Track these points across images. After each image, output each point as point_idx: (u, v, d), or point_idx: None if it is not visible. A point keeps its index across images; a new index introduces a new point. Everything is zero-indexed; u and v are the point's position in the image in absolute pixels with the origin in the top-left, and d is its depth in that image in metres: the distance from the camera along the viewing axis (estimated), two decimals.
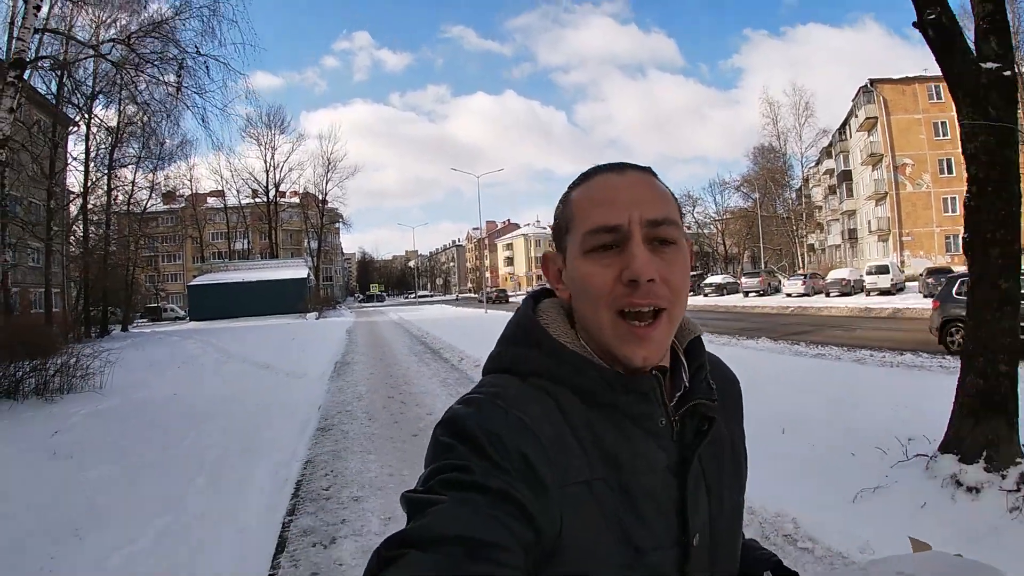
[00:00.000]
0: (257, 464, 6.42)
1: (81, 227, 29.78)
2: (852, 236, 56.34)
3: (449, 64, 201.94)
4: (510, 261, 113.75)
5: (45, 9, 9.69)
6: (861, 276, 36.01)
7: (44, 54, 11.61)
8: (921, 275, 32.66)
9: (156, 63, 10.39)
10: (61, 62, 11.23)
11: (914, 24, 4.49)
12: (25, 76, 9.32)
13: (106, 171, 29.51)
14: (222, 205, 73.87)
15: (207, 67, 11.48)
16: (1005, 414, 4.26)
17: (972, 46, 4.56)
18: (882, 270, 34.24)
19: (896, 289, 33.66)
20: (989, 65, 4.34)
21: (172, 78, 11.46)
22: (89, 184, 28.68)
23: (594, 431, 0.82)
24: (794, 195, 66.28)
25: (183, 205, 59.56)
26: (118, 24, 12.28)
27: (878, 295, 33.02)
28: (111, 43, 10.51)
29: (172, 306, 61.75)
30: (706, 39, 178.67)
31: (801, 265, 57.77)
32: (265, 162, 69.80)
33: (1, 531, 4.51)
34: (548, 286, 0.98)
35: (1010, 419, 4.27)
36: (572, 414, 0.82)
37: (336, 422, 8.75)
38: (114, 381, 11.30)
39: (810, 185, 65.99)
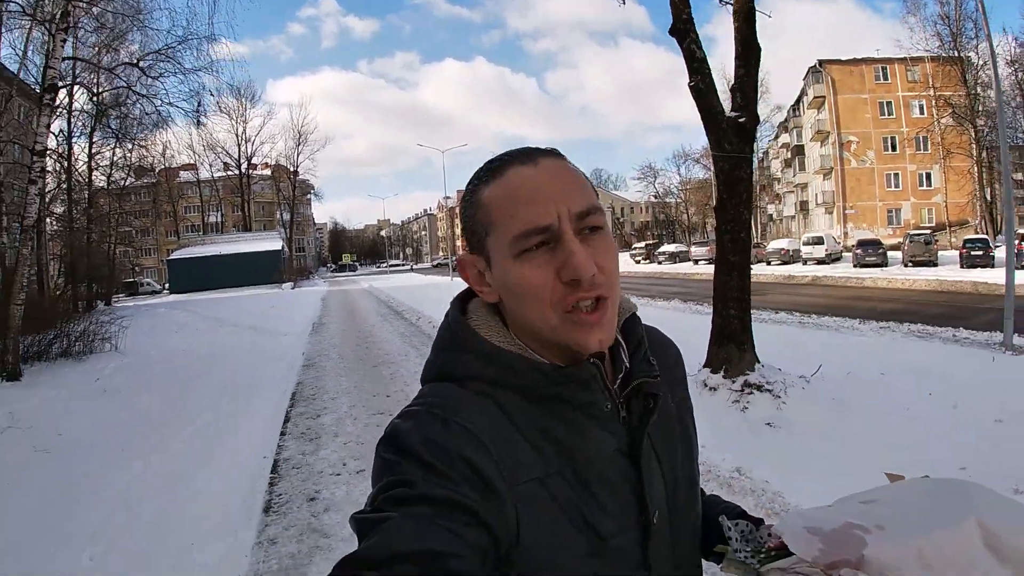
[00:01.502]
0: (262, 387, 9.04)
1: (66, 206, 31.29)
2: (803, 208, 58.97)
3: (417, 30, 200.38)
4: None
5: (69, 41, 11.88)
6: (799, 247, 38.70)
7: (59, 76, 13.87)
8: (853, 246, 35.53)
9: (161, 79, 12.60)
10: (86, 85, 13.44)
11: (688, 84, 6.95)
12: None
13: (87, 150, 30.78)
14: (195, 179, 74.47)
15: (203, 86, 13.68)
16: (735, 342, 6.84)
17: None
18: (817, 241, 37.04)
19: (831, 259, 36.44)
20: (730, 114, 6.81)
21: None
22: (71, 164, 30.03)
23: (540, 427, 0.82)
24: (757, 166, 69.22)
25: (155, 180, 60.80)
26: (128, 49, 14.11)
27: (815, 264, 35.82)
28: (124, 66, 12.67)
29: (148, 280, 62.97)
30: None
31: (756, 234, 60.70)
32: (237, 136, 70.32)
33: (88, 436, 6.87)
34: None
35: (739, 346, 6.84)
36: (515, 413, 0.82)
37: (316, 361, 11.58)
38: (127, 343, 13.53)
39: (769, 157, 68.79)
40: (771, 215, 68.45)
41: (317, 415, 7.52)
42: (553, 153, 0.88)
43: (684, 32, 6.76)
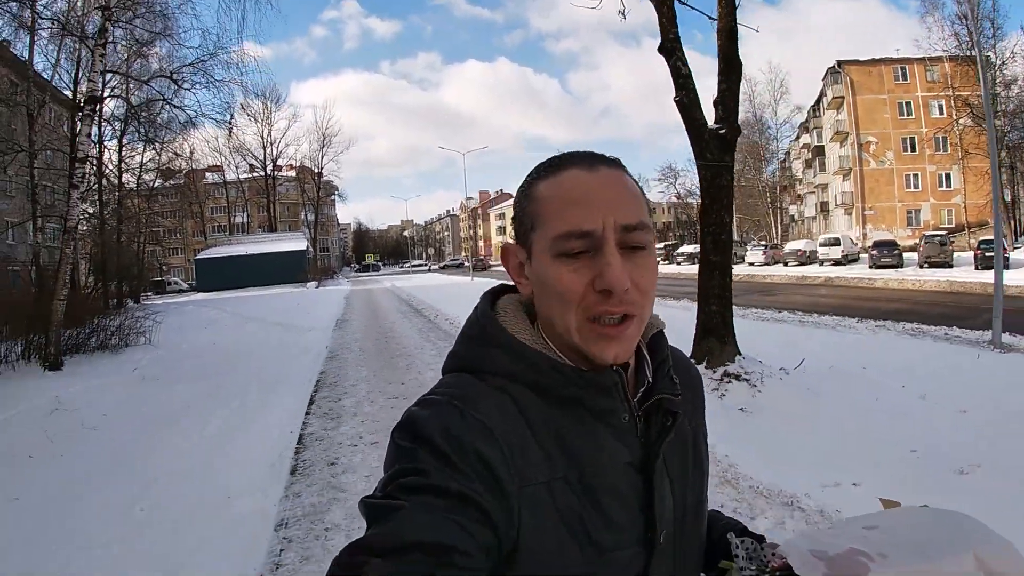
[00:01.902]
0: (289, 376, 9.77)
1: (97, 207, 32.32)
2: (824, 208, 58.92)
3: (439, 31, 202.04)
4: (502, 231, 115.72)
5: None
6: (816, 248, 38.91)
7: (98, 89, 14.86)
8: (869, 247, 35.73)
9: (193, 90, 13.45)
10: (125, 98, 14.37)
11: (674, 99, 7.55)
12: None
13: (117, 152, 31.67)
14: (220, 180, 75.70)
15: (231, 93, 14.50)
16: (716, 336, 7.44)
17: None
18: (834, 242, 37.29)
19: (847, 260, 36.70)
20: (712, 126, 7.39)
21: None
22: (103, 167, 30.96)
23: (555, 429, 0.82)
24: (778, 167, 69.32)
25: (182, 181, 62.18)
26: (158, 55, 14.90)
27: (831, 265, 36.10)
28: (158, 77, 13.54)
29: (175, 279, 64.24)
30: (700, 5, 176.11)
31: (776, 235, 60.82)
32: (262, 138, 71.44)
33: (131, 416, 7.61)
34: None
35: (720, 339, 7.44)
36: (531, 413, 0.82)
37: (339, 354, 12.35)
38: (160, 338, 14.31)
39: (791, 158, 68.83)
40: (793, 216, 68.39)
41: (339, 399, 8.27)
42: (615, 163, 0.89)
43: (671, 51, 7.34)
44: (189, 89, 13.53)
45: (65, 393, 8.65)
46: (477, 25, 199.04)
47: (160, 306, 33.44)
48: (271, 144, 72.42)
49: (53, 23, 12.54)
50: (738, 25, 7.38)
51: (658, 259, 0.93)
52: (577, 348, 0.84)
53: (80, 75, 18.22)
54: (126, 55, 14.20)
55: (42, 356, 10.99)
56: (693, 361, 1.23)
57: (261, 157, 72.84)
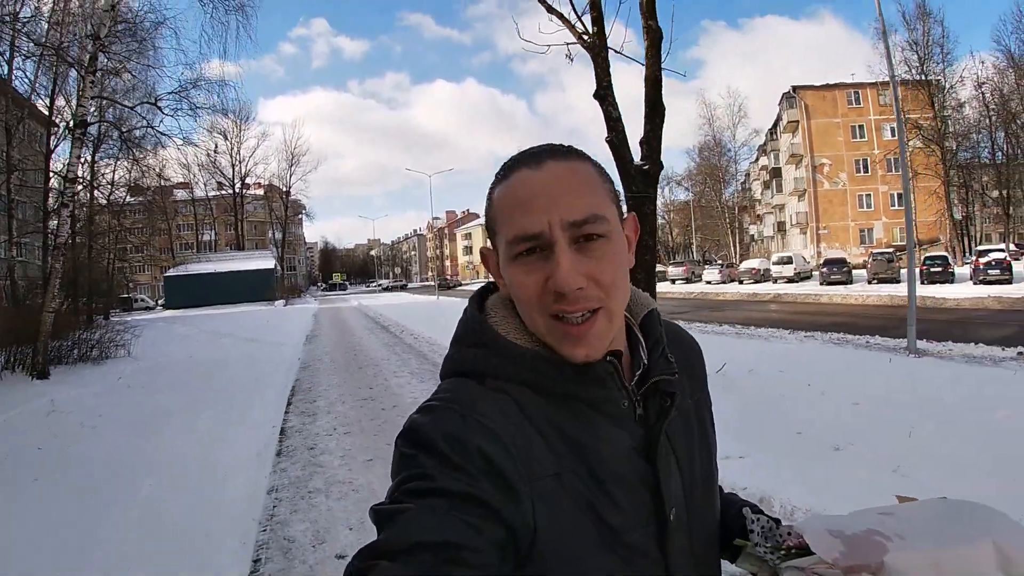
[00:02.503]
0: (267, 383, 10.62)
1: (68, 224, 32.50)
2: (781, 228, 60.80)
3: (408, 51, 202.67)
4: (468, 250, 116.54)
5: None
6: (770, 266, 40.47)
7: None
8: (820, 264, 37.31)
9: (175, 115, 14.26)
10: (116, 123, 15.16)
11: (605, 139, 8.53)
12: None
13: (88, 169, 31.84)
14: (189, 197, 75.49)
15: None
16: None
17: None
18: (786, 260, 38.88)
19: (800, 277, 38.25)
20: (638, 163, 8.37)
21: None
22: (76, 183, 31.19)
23: (555, 423, 0.82)
24: (739, 188, 71.32)
25: (151, 198, 61.81)
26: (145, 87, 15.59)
27: (785, 282, 37.55)
28: (143, 104, 14.36)
29: (142, 296, 63.94)
30: (664, 29, 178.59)
31: (735, 254, 62.54)
32: (231, 156, 71.61)
33: (125, 417, 8.38)
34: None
35: None
36: (531, 410, 0.82)
37: (311, 364, 13.25)
38: (138, 351, 15.05)
39: (751, 179, 70.87)
40: (753, 235, 70.30)
41: (313, 400, 9.20)
42: (565, 154, 0.87)
43: (604, 97, 8.35)
44: (171, 115, 14.34)
45: (58, 398, 9.42)
46: (446, 46, 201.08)
47: (131, 322, 33.77)
48: (240, 162, 72.58)
49: (44, 49, 13.25)
50: (668, 70, 8.39)
51: None
52: (551, 347, 0.84)
53: (56, 91, 18.88)
54: (112, 81, 14.86)
55: (29, 366, 11.64)
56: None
57: (230, 175, 72.92)
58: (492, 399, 0.82)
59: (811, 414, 6.61)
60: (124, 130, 15.60)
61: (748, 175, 70.59)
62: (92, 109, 12.65)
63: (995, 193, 46.86)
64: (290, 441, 6.88)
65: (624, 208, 0.91)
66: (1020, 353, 10.50)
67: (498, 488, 0.74)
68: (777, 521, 0.99)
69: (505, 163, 0.90)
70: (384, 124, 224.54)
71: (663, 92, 8.27)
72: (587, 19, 8.48)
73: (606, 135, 8.29)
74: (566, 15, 8.60)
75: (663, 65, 8.28)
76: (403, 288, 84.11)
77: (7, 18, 13.20)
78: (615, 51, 8.55)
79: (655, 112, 8.19)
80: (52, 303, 11.97)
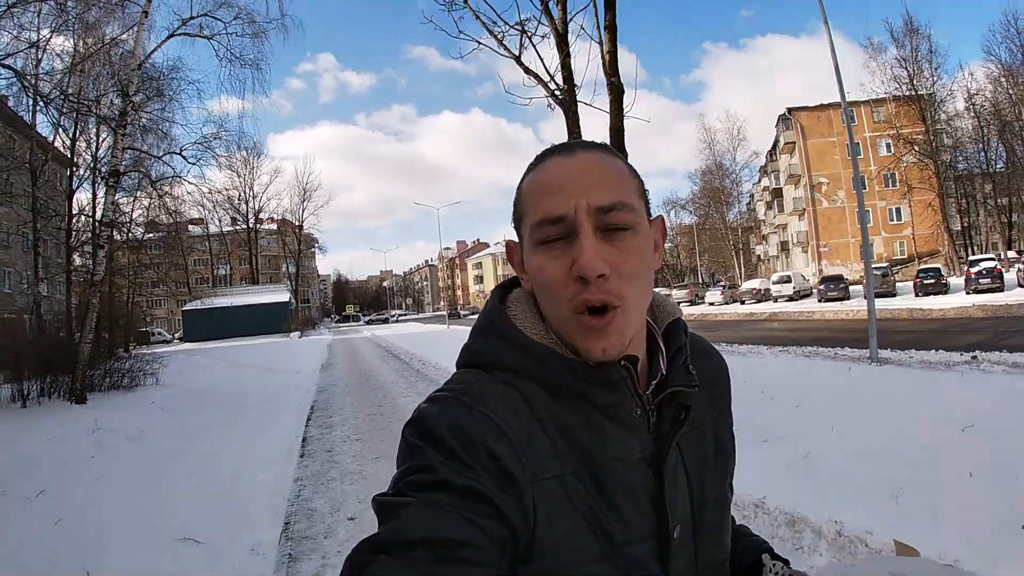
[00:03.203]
0: (288, 404, 11.85)
1: (90, 259, 33.77)
2: (784, 247, 61.77)
3: (414, 84, 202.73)
4: (480, 279, 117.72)
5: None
6: (770, 286, 41.51)
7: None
8: (818, 282, 38.26)
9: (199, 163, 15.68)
10: (148, 174, 16.66)
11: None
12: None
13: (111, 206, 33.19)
14: (203, 233, 77.05)
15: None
16: None
17: None
18: (786, 280, 39.93)
19: (799, 295, 39.19)
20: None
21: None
22: (97, 221, 32.41)
23: (562, 424, 0.81)
24: (744, 209, 72.59)
25: (167, 233, 63.16)
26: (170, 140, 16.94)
27: (785, 301, 38.50)
28: (171, 154, 15.80)
29: (159, 330, 65.22)
30: (666, 53, 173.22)
31: (740, 275, 63.50)
32: (245, 192, 73.53)
33: (163, 432, 9.53)
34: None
35: None
36: (539, 408, 0.81)
37: (327, 389, 14.53)
38: (165, 380, 16.25)
39: (754, 200, 71.99)
40: (759, 255, 71.23)
41: (330, 416, 10.46)
42: (596, 147, 0.88)
43: (567, 103, 9.47)
44: (195, 163, 15.70)
45: (100, 418, 10.50)
46: (451, 77, 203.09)
47: (152, 355, 35.06)
48: (253, 198, 74.47)
49: (78, 105, 14.65)
50: (633, 117, 9.45)
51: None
52: (570, 341, 0.84)
53: (78, 134, 20.26)
54: (140, 132, 16.17)
55: (66, 392, 12.78)
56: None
57: (243, 211, 74.64)
58: (502, 393, 0.81)
59: (755, 415, 7.41)
60: (155, 179, 16.93)
61: (752, 196, 71.70)
62: (125, 158, 13.92)
63: (1000, 201, 47.85)
64: (311, 447, 8.10)
65: (650, 208, 0.90)
66: (973, 357, 11.20)
67: (501, 485, 0.73)
68: (786, 562, 0.98)
69: (536, 156, 0.90)
70: (392, 156, 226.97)
71: (625, 138, 9.35)
72: (560, 77, 9.64)
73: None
74: (541, 75, 9.74)
75: (628, 114, 9.39)
76: (385, 321, 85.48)
77: (30, 76, 14.56)
78: (585, 103, 9.69)
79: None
80: (89, 335, 13.18)
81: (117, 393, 14.44)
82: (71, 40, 15.72)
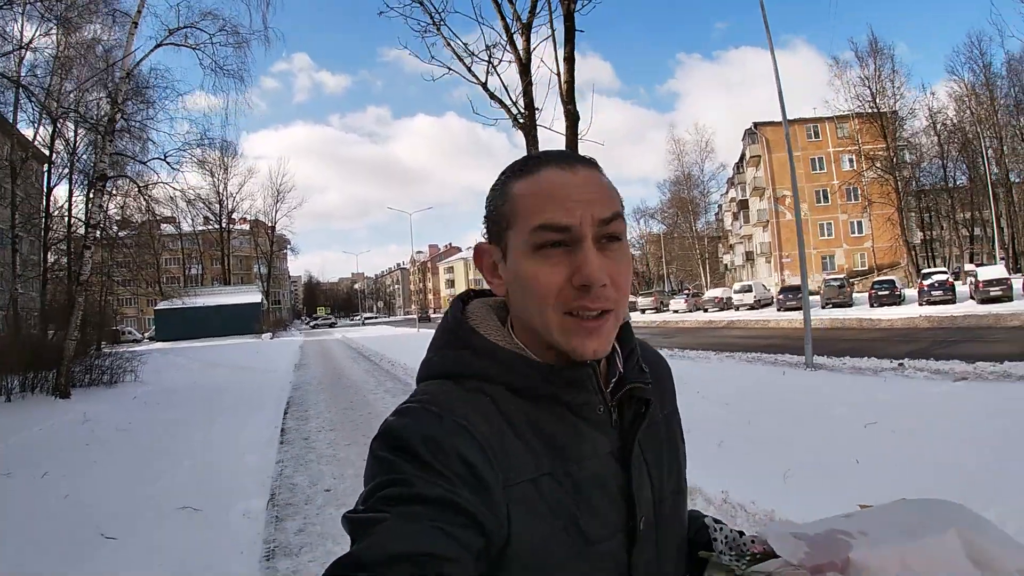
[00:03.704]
0: (265, 399, 12.64)
1: (64, 257, 33.79)
2: (750, 257, 63.31)
3: (389, 86, 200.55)
4: (451, 283, 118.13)
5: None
6: (732, 295, 42.95)
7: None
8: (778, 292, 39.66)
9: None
10: (135, 180, 17.33)
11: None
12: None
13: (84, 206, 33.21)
14: (176, 232, 76.59)
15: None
16: None
17: None
18: (747, 289, 41.38)
19: (760, 304, 40.57)
20: None
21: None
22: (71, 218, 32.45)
23: (535, 426, 0.83)
24: (713, 219, 74.20)
25: (137, 232, 62.82)
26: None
27: (747, 310, 39.83)
28: (156, 159, 16.47)
29: (129, 329, 64.80)
30: (641, 62, 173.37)
31: (707, 283, 64.96)
32: (219, 192, 73.28)
33: (150, 424, 10.27)
34: (476, 287, 1.00)
35: None
36: (510, 412, 0.83)
37: (301, 386, 15.38)
38: (144, 377, 16.90)
39: (722, 211, 73.60)
40: (726, 264, 72.73)
41: (305, 410, 11.33)
42: (590, 163, 0.90)
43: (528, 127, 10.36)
44: (178, 169, 16.41)
45: (87, 411, 11.17)
46: (426, 82, 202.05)
47: (132, 353, 35.29)
48: (227, 198, 74.40)
49: (67, 110, 15.29)
50: (589, 140, 10.26)
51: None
52: (555, 344, 0.85)
53: (56, 133, 20.67)
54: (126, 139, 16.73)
55: (49, 388, 13.30)
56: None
57: (216, 210, 74.47)
58: (471, 400, 0.82)
59: (686, 412, 8.35)
60: (142, 185, 17.55)
61: (720, 207, 73.35)
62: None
63: (965, 216, 49.78)
64: (289, 435, 8.97)
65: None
66: (900, 364, 12.10)
67: (476, 493, 0.73)
68: (741, 533, 0.99)
69: (524, 159, 0.91)
70: (366, 158, 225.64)
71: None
72: (522, 103, 10.53)
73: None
74: (505, 100, 10.63)
75: (583, 137, 10.26)
76: (332, 325, 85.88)
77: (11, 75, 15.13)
78: (544, 127, 10.58)
79: None
80: (74, 332, 13.81)
81: (98, 389, 15.02)
82: (55, 39, 16.30)
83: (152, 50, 15.20)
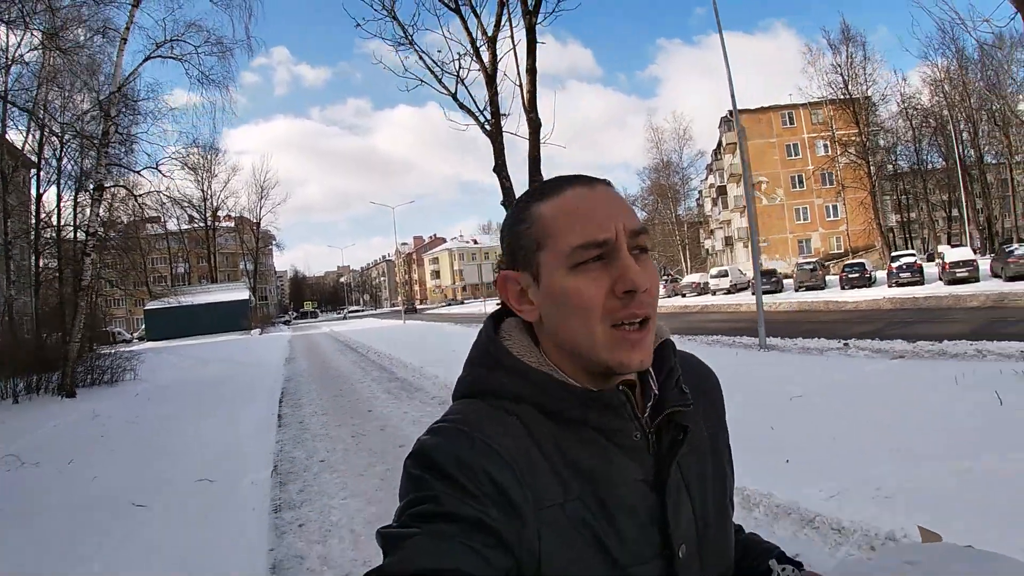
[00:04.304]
0: (261, 390, 13.67)
1: (56, 262, 34.41)
2: (729, 242, 64.66)
3: (369, 78, 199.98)
4: (436, 275, 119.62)
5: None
6: (709, 280, 44.16)
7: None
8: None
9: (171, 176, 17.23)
10: (131, 190, 18.20)
11: (500, 203, 11.55)
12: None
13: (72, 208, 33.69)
14: (162, 231, 76.82)
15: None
16: None
17: None
18: (723, 274, 42.51)
19: (736, 289, 41.65)
20: None
21: None
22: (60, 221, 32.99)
23: (564, 450, 0.83)
24: (694, 205, 75.43)
25: (123, 233, 63.01)
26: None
27: (724, 294, 40.93)
28: (148, 168, 17.39)
29: (119, 329, 65.13)
30: (622, 48, 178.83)
31: (687, 268, 66.16)
32: (203, 191, 73.73)
33: (157, 417, 11.23)
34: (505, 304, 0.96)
35: None
36: (541, 435, 0.83)
37: (293, 378, 16.42)
38: (142, 375, 17.78)
39: (703, 196, 74.74)
40: (708, 249, 73.89)
41: (299, 398, 12.38)
42: (607, 182, 0.92)
43: (500, 171, 11.38)
44: (170, 177, 17.33)
45: (96, 408, 12.10)
46: (401, 91, 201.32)
47: (117, 354, 36.02)
48: (211, 196, 74.92)
49: (66, 127, 16.14)
50: (551, 143, 11.34)
51: None
52: (601, 361, 0.85)
53: (43, 138, 21.22)
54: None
55: (54, 388, 14.10)
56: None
57: (201, 209, 74.73)
58: (501, 421, 0.83)
59: None
60: (137, 194, 18.39)
61: (700, 192, 74.50)
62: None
63: (943, 197, 51.17)
64: (286, 420, 10.02)
65: None
66: (845, 344, 12.82)
67: (506, 514, 0.74)
68: (799, 564, 0.99)
69: (545, 184, 0.92)
70: (348, 150, 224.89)
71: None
72: (488, 112, 11.53)
73: (501, 200, 11.29)
74: (473, 110, 11.62)
75: (545, 142, 11.26)
76: (314, 316, 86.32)
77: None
78: (510, 133, 11.57)
79: (534, 180, 11.17)
80: (77, 335, 14.72)
81: (100, 388, 15.82)
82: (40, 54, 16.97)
83: (141, 63, 16.08)
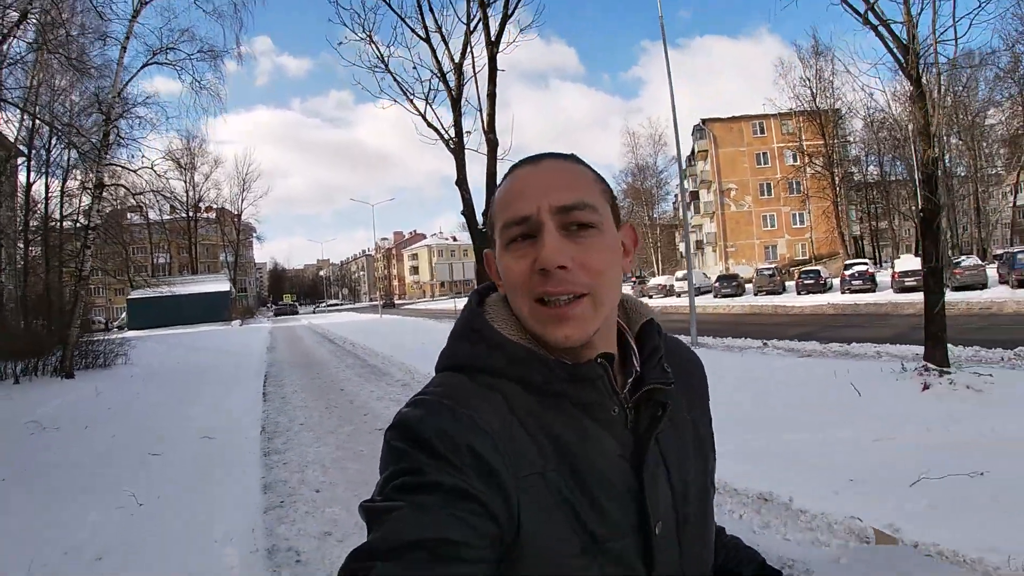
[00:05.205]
0: (247, 373, 15.33)
1: (41, 249, 35.17)
2: (700, 246, 66.30)
3: (351, 72, 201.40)
4: (415, 270, 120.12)
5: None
6: (674, 282, 46.09)
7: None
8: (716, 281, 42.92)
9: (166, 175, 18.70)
10: (129, 189, 19.57)
11: (461, 212, 13.18)
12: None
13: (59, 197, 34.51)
14: (143, 221, 77.18)
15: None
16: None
17: None
18: (686, 277, 43.82)
19: (700, 292, 43.11)
20: (481, 228, 12.88)
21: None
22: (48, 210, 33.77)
23: (542, 422, 0.83)
24: (670, 208, 77.35)
25: (100, 222, 63.29)
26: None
27: (687, 297, 42.40)
28: (144, 168, 18.87)
29: (99, 318, 65.52)
30: (606, 49, 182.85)
31: (659, 270, 68.13)
32: (185, 182, 73.95)
33: (154, 396, 12.76)
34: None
35: None
36: (519, 407, 0.83)
37: (275, 364, 18.05)
38: (133, 360, 19.23)
39: (678, 200, 76.53)
40: (681, 252, 75.62)
41: (281, 380, 13.99)
42: (563, 156, 0.92)
43: (462, 183, 12.91)
44: (164, 176, 18.81)
45: (97, 387, 13.41)
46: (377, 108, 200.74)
47: (103, 341, 37.00)
48: (194, 188, 75.37)
49: (66, 129, 17.54)
50: (509, 159, 12.69)
51: None
52: (537, 336, 0.87)
53: (34, 128, 22.35)
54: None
55: (56, 369, 15.35)
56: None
57: (184, 200, 75.21)
58: (482, 393, 0.83)
59: None
60: (136, 193, 19.78)
61: (676, 196, 76.41)
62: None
63: (911, 208, 52.80)
64: (270, 397, 11.66)
65: (619, 217, 0.94)
66: (764, 343, 14.20)
67: (487, 483, 0.75)
68: (778, 572, 1.00)
69: (510, 168, 0.95)
70: (330, 142, 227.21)
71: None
72: (453, 132, 13.07)
73: (462, 209, 12.81)
74: (440, 129, 13.13)
75: (503, 157, 12.72)
76: (294, 312, 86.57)
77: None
78: (472, 150, 13.08)
79: (491, 194, 12.63)
80: (78, 321, 16.15)
81: (95, 371, 16.96)
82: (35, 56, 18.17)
83: (139, 70, 17.56)
